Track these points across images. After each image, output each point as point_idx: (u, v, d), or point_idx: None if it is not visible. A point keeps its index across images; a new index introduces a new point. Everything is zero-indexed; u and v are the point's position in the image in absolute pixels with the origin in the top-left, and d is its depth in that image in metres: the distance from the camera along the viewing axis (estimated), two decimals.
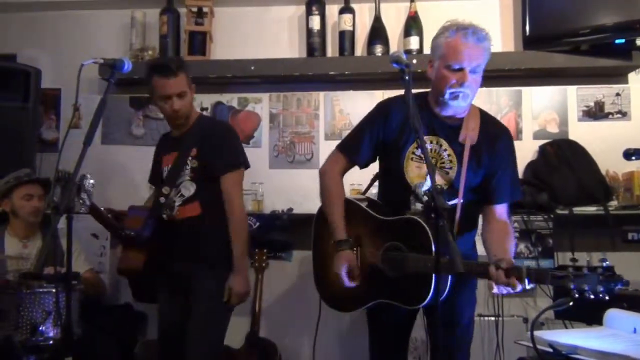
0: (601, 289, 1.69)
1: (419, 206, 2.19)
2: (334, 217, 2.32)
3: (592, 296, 1.71)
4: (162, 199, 2.74)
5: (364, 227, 2.31)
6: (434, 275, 1.99)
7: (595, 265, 1.74)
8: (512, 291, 1.90)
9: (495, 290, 1.94)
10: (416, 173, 2.20)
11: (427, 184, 2.15)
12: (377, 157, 2.37)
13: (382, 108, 2.32)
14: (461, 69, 2.07)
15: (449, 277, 2.06)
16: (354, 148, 2.33)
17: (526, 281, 1.86)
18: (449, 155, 2.19)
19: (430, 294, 2.03)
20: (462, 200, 2.17)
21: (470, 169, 2.16)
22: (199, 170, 2.70)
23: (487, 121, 2.26)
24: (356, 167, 2.42)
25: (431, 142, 2.20)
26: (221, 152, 2.71)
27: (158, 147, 2.96)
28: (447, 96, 2.11)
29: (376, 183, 2.70)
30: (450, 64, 2.08)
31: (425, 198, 2.16)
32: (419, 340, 3.30)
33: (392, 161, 2.24)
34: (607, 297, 1.71)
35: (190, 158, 2.70)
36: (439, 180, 2.16)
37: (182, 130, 2.78)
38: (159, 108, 2.75)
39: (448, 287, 2.08)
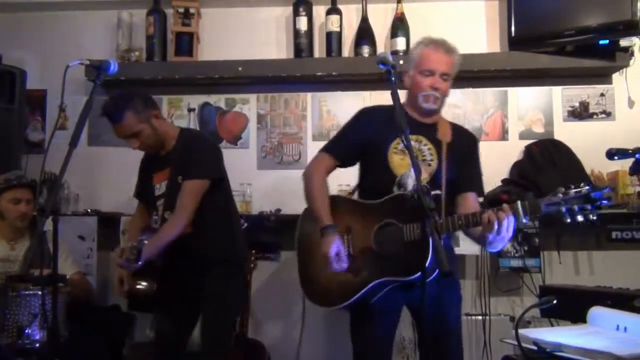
0: (589, 207, 1.93)
1: None
2: (318, 206, 2.41)
3: (580, 217, 1.94)
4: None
5: (352, 214, 2.39)
6: (430, 237, 2.02)
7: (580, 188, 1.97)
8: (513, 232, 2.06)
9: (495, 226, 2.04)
10: (400, 163, 2.36)
11: (412, 174, 2.29)
12: (358, 160, 2.52)
13: (363, 113, 2.54)
14: (432, 74, 2.34)
15: (443, 241, 2.13)
16: (339, 148, 2.51)
17: (521, 212, 2.03)
18: (429, 149, 2.39)
19: (430, 256, 2.07)
20: (444, 192, 2.33)
21: (449, 163, 2.35)
22: None
23: (458, 128, 2.53)
24: (342, 171, 2.56)
25: (411, 140, 2.29)
26: (190, 161, 2.65)
27: (146, 164, 2.91)
28: (420, 99, 2.36)
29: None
30: (423, 69, 2.36)
31: (411, 187, 2.31)
32: (406, 339, 3.31)
33: (376, 156, 2.40)
34: (594, 217, 1.92)
35: (179, 177, 2.66)
36: (422, 174, 2.28)
37: (167, 149, 2.76)
38: None
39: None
